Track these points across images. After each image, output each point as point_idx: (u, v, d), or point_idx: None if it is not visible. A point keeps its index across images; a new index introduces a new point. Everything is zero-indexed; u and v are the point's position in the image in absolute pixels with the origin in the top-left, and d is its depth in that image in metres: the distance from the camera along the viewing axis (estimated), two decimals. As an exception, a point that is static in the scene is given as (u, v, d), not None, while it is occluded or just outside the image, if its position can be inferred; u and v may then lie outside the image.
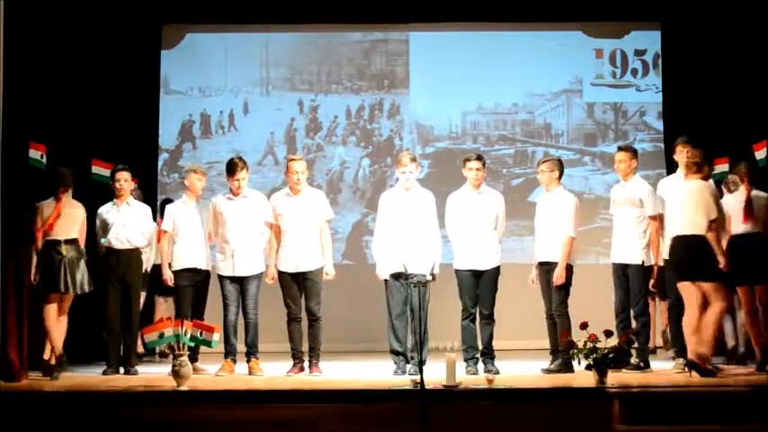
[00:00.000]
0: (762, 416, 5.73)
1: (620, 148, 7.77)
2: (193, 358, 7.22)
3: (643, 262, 7.43)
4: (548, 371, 7.28)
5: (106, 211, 7.83)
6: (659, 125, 10.56)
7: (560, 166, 7.62)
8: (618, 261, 7.55)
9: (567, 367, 7.15)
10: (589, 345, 6.33)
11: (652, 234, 7.43)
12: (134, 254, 7.79)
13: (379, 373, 7.38)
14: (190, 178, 7.89)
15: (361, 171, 10.67)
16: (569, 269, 7.37)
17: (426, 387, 5.82)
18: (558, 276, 7.32)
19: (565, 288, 7.37)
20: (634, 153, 7.65)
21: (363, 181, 10.67)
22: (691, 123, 9.66)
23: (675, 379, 6.81)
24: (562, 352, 7.11)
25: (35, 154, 7.61)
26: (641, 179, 7.68)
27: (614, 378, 6.38)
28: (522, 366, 7.58)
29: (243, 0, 10.15)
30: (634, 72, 10.67)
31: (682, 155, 7.38)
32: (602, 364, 6.28)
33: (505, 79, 10.66)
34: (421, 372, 5.94)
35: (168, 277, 7.77)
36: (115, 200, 7.82)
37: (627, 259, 7.48)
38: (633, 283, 7.45)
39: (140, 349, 8.31)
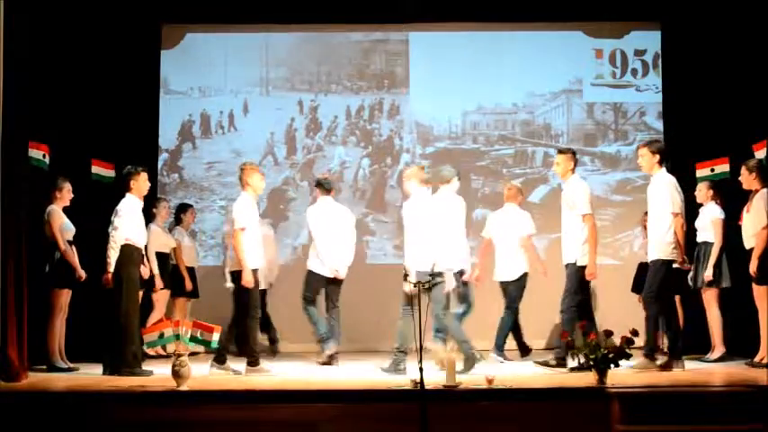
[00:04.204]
0: (762, 416, 5.74)
1: (558, 151, 7.84)
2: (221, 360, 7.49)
3: (576, 261, 7.38)
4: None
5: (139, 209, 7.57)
6: (659, 125, 10.55)
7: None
8: (564, 261, 7.58)
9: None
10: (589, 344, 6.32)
11: (588, 232, 7.36)
12: None
13: (379, 373, 7.38)
14: (253, 177, 7.53)
15: (360, 171, 10.67)
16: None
17: (426, 387, 5.82)
18: None
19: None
20: (572, 155, 7.63)
21: (363, 181, 10.67)
22: (691, 123, 9.67)
23: (676, 379, 6.81)
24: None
25: (37, 154, 7.62)
26: (578, 180, 7.62)
27: (614, 378, 6.38)
28: (522, 366, 7.57)
29: (243, 0, 10.15)
30: (634, 72, 10.67)
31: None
32: (602, 364, 6.28)
33: (505, 79, 10.66)
34: (421, 372, 5.94)
35: (250, 279, 7.39)
36: (139, 198, 7.56)
37: (565, 258, 7.49)
38: (566, 281, 7.44)
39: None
